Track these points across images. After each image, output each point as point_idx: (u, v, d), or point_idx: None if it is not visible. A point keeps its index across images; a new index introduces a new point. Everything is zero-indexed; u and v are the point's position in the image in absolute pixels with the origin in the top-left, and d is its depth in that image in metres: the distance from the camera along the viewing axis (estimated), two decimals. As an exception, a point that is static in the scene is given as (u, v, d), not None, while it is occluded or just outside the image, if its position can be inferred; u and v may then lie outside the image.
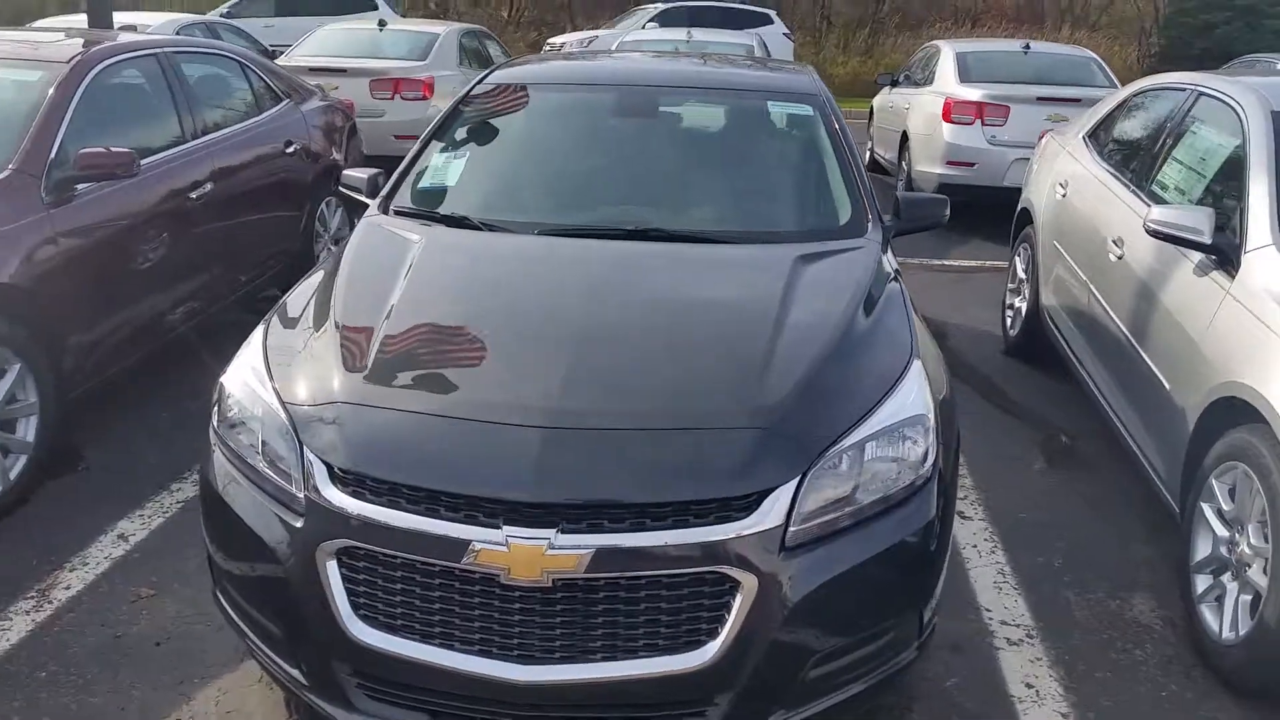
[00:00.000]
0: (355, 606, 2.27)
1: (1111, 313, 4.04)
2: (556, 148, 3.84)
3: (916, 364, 2.66)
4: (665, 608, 2.21)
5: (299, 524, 2.31)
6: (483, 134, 3.85)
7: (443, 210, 3.45)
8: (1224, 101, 3.91)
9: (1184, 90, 4.35)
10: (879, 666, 2.43)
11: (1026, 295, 5.37)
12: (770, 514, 2.22)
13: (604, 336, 2.70)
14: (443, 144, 3.77)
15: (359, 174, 3.79)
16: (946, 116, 8.13)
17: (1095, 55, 9.27)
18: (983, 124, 7.99)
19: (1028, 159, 7.60)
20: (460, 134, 3.82)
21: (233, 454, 2.53)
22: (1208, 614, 3.00)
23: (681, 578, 2.19)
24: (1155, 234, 3.50)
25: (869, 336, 2.74)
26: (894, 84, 10.34)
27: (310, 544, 2.28)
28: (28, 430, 3.68)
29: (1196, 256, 3.46)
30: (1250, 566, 2.84)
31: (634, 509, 2.19)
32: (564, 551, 2.15)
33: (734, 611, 2.20)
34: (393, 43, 9.24)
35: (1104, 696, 2.83)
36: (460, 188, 3.62)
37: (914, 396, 2.54)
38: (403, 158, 3.81)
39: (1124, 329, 3.89)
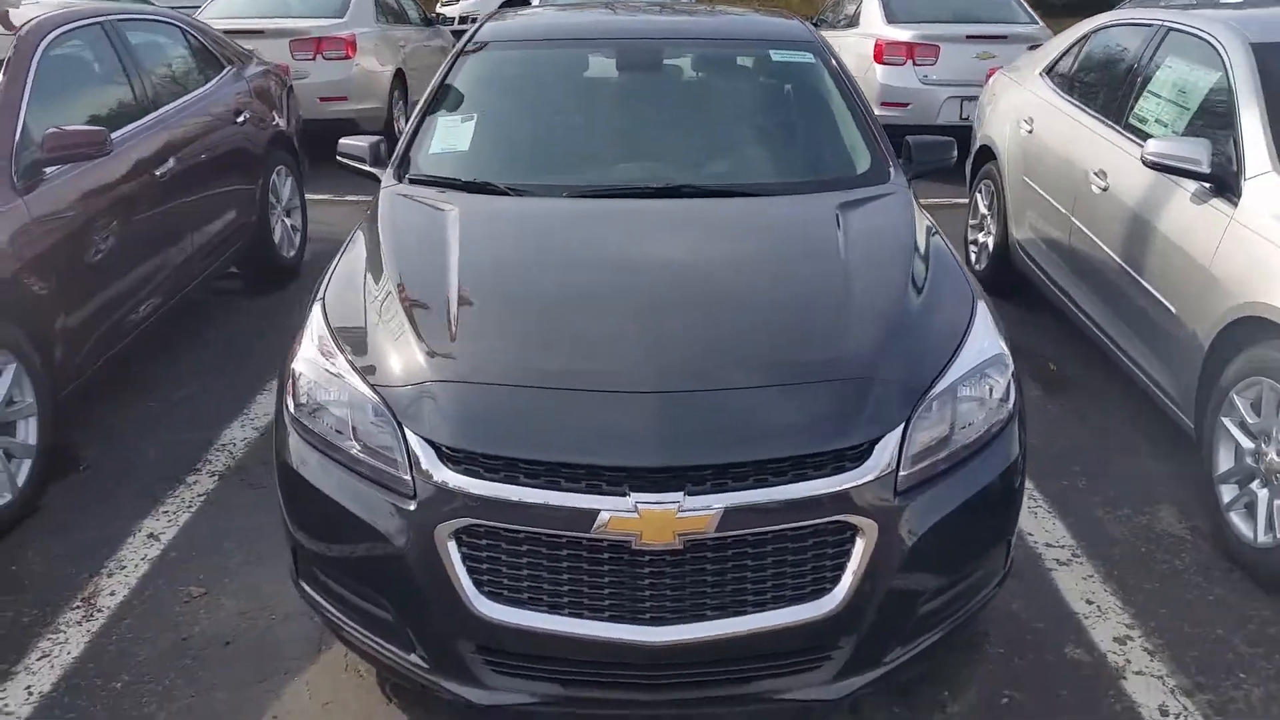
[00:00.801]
0: (479, 584, 2.24)
1: (1101, 243, 4.20)
2: (566, 105, 3.76)
3: (983, 306, 2.73)
4: (791, 559, 2.24)
5: (411, 506, 2.25)
6: (487, 94, 3.74)
7: (464, 176, 3.35)
8: (1198, 36, 4.07)
9: (1150, 26, 4.51)
10: (974, 599, 2.53)
11: (992, 230, 5.53)
12: (882, 461, 2.27)
13: (683, 296, 2.68)
14: (446, 106, 3.65)
15: (358, 142, 3.64)
16: (878, 58, 8.23)
17: None
18: (914, 64, 8.13)
19: (959, 98, 7.84)
20: (463, 95, 3.71)
21: (317, 438, 2.44)
22: (1238, 521, 3.19)
23: (805, 529, 2.23)
24: (1154, 165, 3.64)
25: (933, 282, 2.79)
26: (816, 25, 10.39)
27: (427, 526, 2.23)
28: (28, 433, 3.47)
29: (1192, 186, 3.63)
30: (1282, 473, 3.03)
31: (755, 466, 2.21)
32: (694, 513, 2.15)
33: (855, 557, 2.25)
34: None
35: (1158, 606, 3.00)
36: (475, 152, 3.51)
37: (989, 338, 2.61)
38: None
39: (1117, 259, 4.05)
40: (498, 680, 2.30)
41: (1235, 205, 3.40)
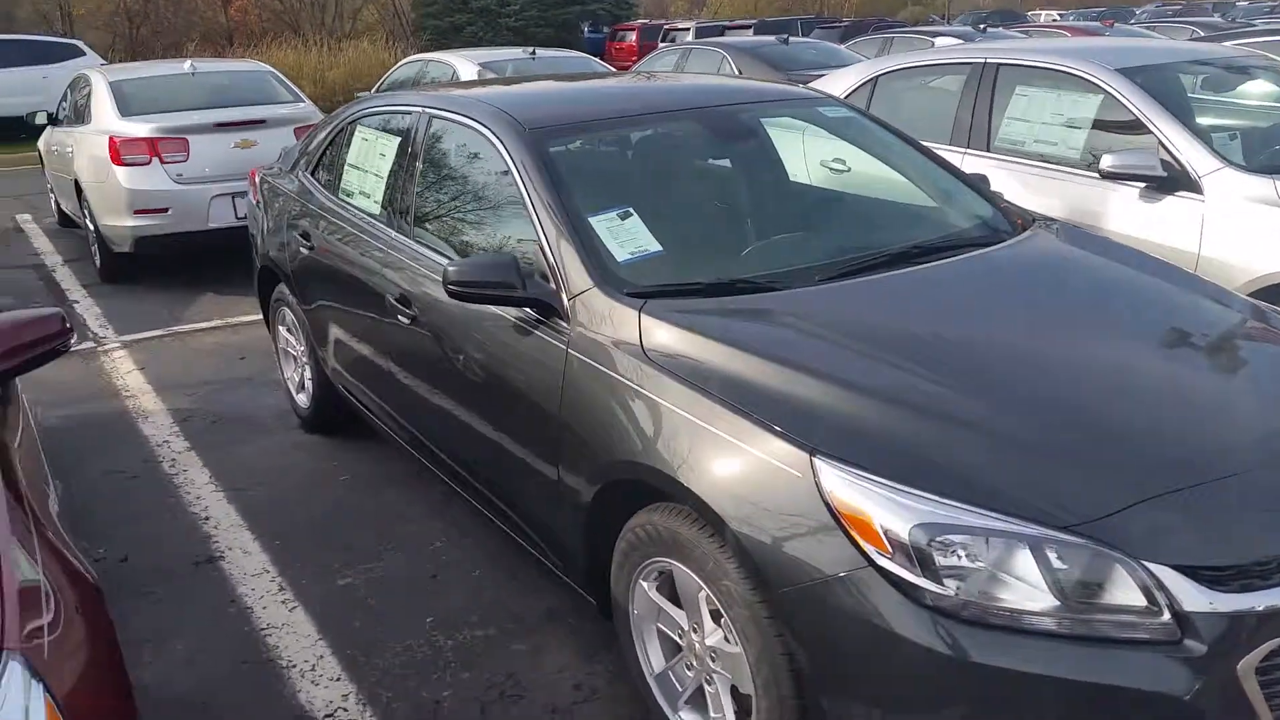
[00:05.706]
0: (1275, 710, 1.95)
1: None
2: (706, 185, 3.22)
3: None
4: None
5: (1199, 650, 1.91)
6: (610, 186, 3.08)
7: (701, 279, 2.73)
8: (1055, 70, 4.76)
9: (972, 64, 5.15)
10: None
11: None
12: None
13: (1126, 364, 2.53)
14: (593, 207, 2.91)
15: (498, 263, 2.75)
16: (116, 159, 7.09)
17: (271, 68, 8.74)
18: (162, 162, 7.12)
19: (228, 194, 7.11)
20: (590, 190, 3.00)
21: (981, 611, 1.95)
22: None
23: None
24: (1111, 175, 4.25)
25: None
26: (54, 121, 8.82)
27: (1226, 668, 1.92)
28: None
29: (1136, 189, 4.28)
30: None
31: None
32: None
33: None
34: None
35: None
36: (677, 251, 2.88)
37: None
38: None
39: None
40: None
41: (1202, 198, 4.09)
